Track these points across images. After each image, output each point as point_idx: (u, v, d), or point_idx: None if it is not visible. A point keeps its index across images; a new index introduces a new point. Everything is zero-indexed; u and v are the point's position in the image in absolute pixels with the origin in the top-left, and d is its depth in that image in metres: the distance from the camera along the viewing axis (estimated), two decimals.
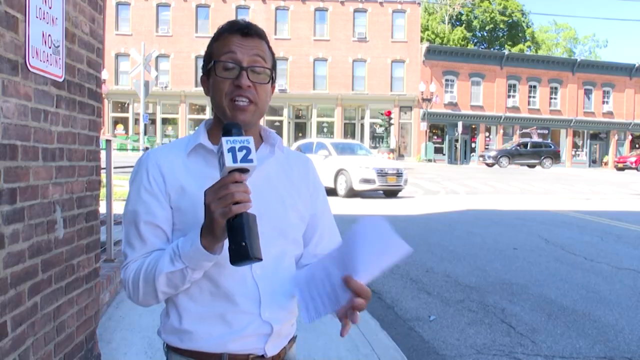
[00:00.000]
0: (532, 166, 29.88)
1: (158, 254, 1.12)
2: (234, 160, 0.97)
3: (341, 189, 13.60)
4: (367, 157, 14.87)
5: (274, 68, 1.21)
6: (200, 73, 1.25)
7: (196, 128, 1.25)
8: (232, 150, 0.97)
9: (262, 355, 1.18)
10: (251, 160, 0.97)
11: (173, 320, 1.17)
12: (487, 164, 29.83)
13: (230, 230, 0.96)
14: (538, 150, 30.39)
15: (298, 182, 1.27)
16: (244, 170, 0.98)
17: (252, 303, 1.15)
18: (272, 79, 1.20)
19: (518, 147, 30.41)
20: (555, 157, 30.68)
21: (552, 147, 31.73)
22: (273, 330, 1.17)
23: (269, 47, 1.21)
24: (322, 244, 1.29)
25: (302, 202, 1.25)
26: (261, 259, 0.95)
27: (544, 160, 30.11)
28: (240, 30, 1.16)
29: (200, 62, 1.34)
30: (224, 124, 1.05)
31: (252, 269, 1.14)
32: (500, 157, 29.48)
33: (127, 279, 1.14)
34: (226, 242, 0.99)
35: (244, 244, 0.94)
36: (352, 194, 13.37)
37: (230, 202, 0.95)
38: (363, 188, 13.24)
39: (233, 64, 1.14)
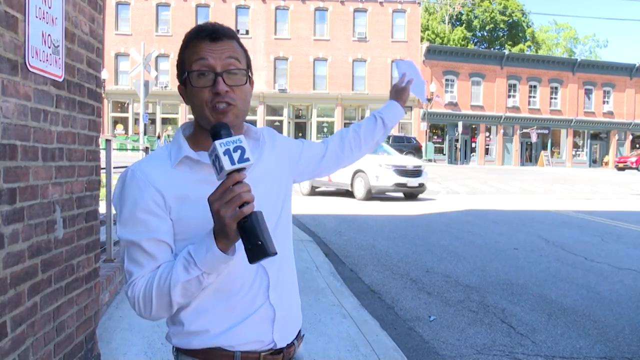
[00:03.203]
0: None
1: (167, 266, 1.09)
2: (232, 162, 0.97)
3: None
4: None
5: (249, 66, 1.17)
6: None
7: (172, 137, 1.21)
8: (227, 152, 0.97)
9: (272, 350, 1.18)
10: (247, 159, 0.98)
11: (182, 323, 1.16)
12: None
13: (244, 232, 0.97)
14: (400, 145, 29.77)
15: (282, 157, 1.31)
16: (241, 169, 0.99)
17: (261, 288, 1.16)
18: (249, 78, 1.17)
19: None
20: (417, 151, 30.21)
21: (414, 142, 31.45)
22: (276, 314, 1.17)
23: (241, 45, 1.17)
24: (334, 143, 1.51)
25: (288, 177, 1.31)
26: (276, 253, 0.97)
27: (406, 155, 29.64)
28: (208, 35, 1.11)
29: None
30: (212, 126, 1.05)
31: None
32: None
33: (137, 296, 1.10)
34: (238, 243, 1.00)
35: (259, 242, 0.95)
36: None
37: (237, 204, 0.96)
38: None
39: (207, 71, 1.11)
